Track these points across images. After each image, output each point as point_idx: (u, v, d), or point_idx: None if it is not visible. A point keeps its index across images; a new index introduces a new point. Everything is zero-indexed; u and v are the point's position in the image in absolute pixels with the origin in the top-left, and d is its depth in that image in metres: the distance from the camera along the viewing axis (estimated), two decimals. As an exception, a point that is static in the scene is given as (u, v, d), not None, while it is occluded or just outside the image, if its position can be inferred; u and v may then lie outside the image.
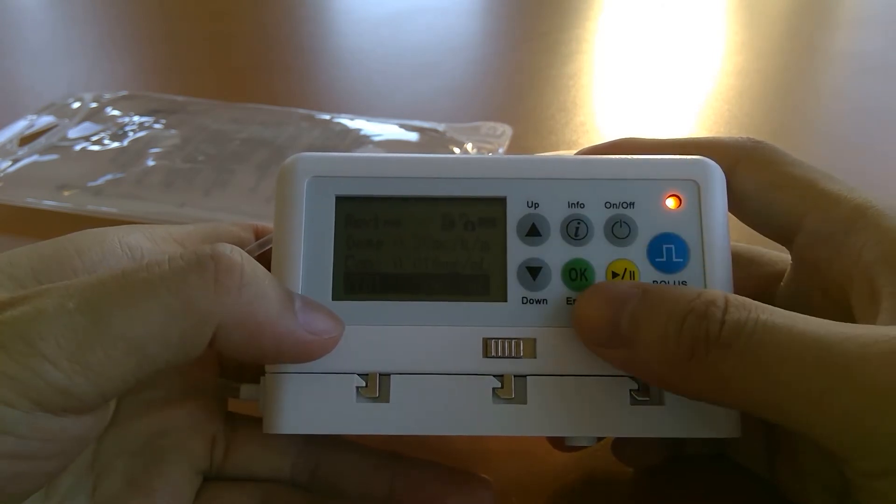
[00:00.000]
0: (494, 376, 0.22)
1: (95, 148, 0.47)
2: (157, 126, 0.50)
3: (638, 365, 0.21)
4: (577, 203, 0.23)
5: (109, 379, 0.18)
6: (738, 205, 0.23)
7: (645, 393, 0.22)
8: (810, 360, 0.17)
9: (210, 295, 0.19)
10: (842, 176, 0.23)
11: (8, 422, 0.17)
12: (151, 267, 0.19)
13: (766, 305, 0.19)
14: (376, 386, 0.22)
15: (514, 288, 0.22)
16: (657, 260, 0.22)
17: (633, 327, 0.20)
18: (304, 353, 0.21)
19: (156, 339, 0.18)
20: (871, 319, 0.19)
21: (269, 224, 0.26)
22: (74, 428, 0.18)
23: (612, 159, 0.24)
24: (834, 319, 0.18)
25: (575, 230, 0.23)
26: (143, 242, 0.23)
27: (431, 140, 0.49)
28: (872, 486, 0.18)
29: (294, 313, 0.20)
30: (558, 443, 0.26)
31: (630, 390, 0.22)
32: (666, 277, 0.22)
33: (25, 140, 0.48)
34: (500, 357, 0.22)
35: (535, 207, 0.23)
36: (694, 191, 0.23)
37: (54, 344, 0.17)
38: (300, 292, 0.22)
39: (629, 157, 0.24)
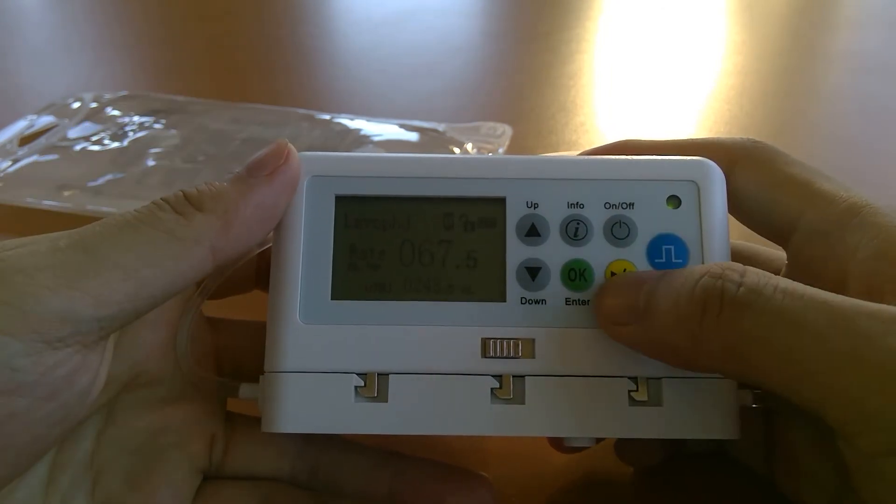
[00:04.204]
0: (493, 376, 0.22)
1: (95, 148, 0.47)
2: (157, 126, 0.50)
3: (650, 336, 0.20)
4: (577, 203, 0.23)
5: (107, 304, 0.18)
6: (736, 204, 0.23)
7: (644, 394, 0.21)
8: (828, 327, 0.17)
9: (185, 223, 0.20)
10: (842, 175, 0.23)
11: (6, 352, 0.17)
12: (124, 213, 0.20)
13: (783, 278, 0.19)
14: (375, 385, 0.21)
15: (514, 288, 0.22)
16: (657, 260, 0.22)
17: (650, 300, 0.20)
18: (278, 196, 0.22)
19: (148, 263, 0.19)
20: None
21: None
22: (70, 364, 0.19)
23: (611, 160, 0.24)
24: None
25: (574, 231, 0.23)
26: None
27: (431, 140, 0.49)
28: (875, 467, 0.17)
29: (247, 184, 0.22)
30: (557, 443, 0.26)
31: (629, 391, 0.22)
32: (665, 278, 0.22)
33: (25, 140, 0.48)
34: (498, 357, 0.22)
35: (535, 208, 0.23)
36: (693, 191, 0.23)
37: (51, 274, 0.18)
38: (299, 291, 0.22)
39: (629, 157, 0.24)
